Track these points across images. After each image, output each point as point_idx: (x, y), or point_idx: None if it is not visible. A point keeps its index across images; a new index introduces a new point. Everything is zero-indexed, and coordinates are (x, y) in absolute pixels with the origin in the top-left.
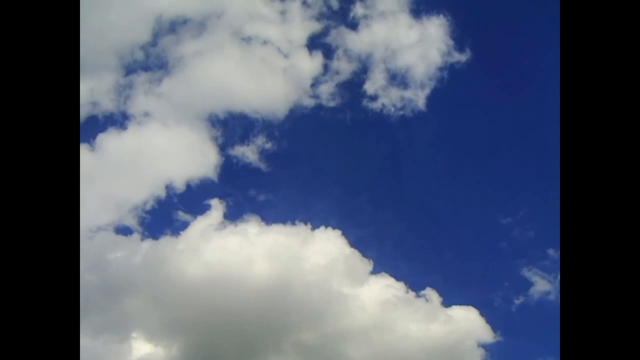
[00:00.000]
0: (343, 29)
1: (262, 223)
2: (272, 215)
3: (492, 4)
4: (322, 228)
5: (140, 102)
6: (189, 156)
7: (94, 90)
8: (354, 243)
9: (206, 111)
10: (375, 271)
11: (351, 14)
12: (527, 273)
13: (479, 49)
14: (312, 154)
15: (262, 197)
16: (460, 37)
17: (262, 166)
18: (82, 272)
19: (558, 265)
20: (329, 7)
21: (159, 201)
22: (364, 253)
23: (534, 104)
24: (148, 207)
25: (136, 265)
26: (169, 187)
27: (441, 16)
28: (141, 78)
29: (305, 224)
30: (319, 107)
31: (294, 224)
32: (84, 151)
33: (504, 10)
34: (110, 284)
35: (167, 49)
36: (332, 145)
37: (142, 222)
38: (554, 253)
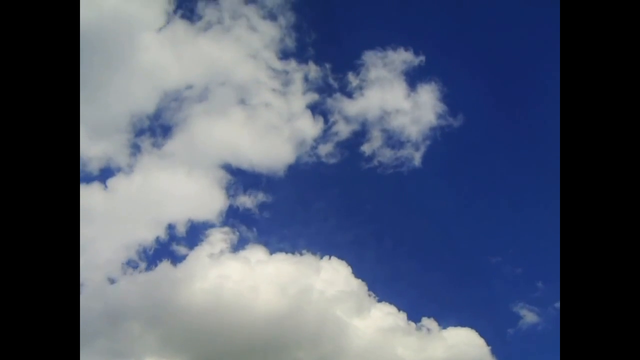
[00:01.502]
0: (342, 97)
1: (267, 252)
2: (276, 245)
3: (483, 71)
4: (327, 258)
5: (149, 155)
6: (194, 201)
7: (107, 148)
8: (359, 274)
9: (212, 163)
10: (379, 300)
11: (350, 85)
12: (515, 308)
13: (471, 113)
14: (314, 197)
15: (265, 230)
16: (452, 102)
17: (265, 213)
18: (92, 303)
19: (547, 296)
20: (328, 83)
21: (165, 236)
22: (369, 283)
23: (523, 160)
24: (155, 241)
25: (140, 293)
26: (173, 226)
27: (433, 83)
28: (150, 139)
29: (314, 254)
30: (319, 164)
31: (300, 253)
32: (99, 191)
33: (495, 77)
34: (116, 311)
35: (176, 113)
36: (333, 191)
37: (147, 256)
38: (542, 285)
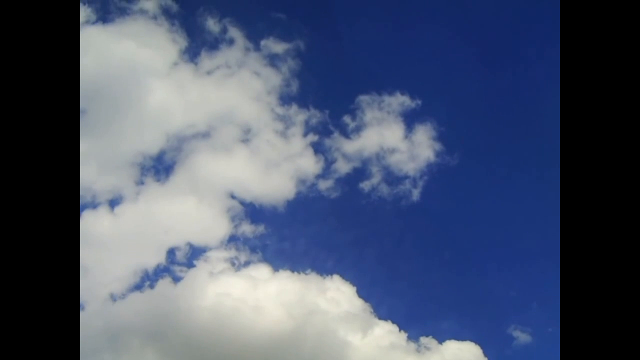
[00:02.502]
0: (341, 137)
1: (270, 270)
2: (279, 263)
3: (479, 112)
4: (330, 277)
5: (154, 186)
6: (198, 228)
7: (115, 181)
8: (361, 293)
9: (216, 195)
10: (380, 319)
11: (349, 127)
12: (508, 329)
13: (468, 151)
14: (316, 224)
15: (268, 251)
16: (449, 141)
17: (267, 239)
18: (95, 320)
19: (541, 316)
20: (327, 125)
21: (168, 258)
22: (371, 303)
23: (518, 192)
24: (158, 263)
25: (142, 310)
26: (176, 249)
27: (429, 124)
28: (155, 174)
29: (318, 273)
30: (320, 198)
31: (305, 273)
32: (105, 217)
33: (491, 117)
34: (117, 328)
35: (181, 150)
36: (336, 219)
37: (149, 277)
38: (536, 306)
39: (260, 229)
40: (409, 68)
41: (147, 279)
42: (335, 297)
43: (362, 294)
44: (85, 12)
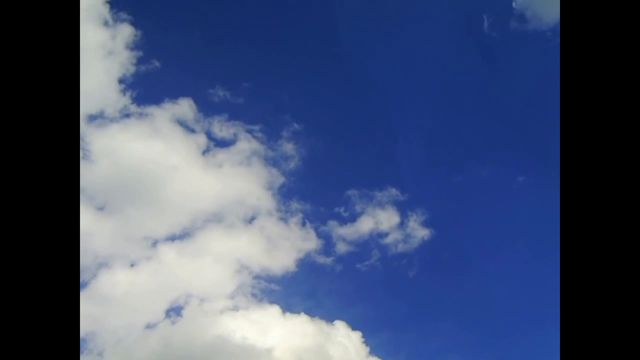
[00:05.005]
0: (338, 224)
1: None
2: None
3: (466, 198)
4: (334, 324)
5: (168, 253)
6: (206, 284)
7: (132, 252)
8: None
9: (226, 263)
10: None
11: (345, 215)
12: None
13: (460, 234)
14: (320, 288)
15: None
16: (440, 225)
17: (272, 297)
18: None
19: None
20: (326, 216)
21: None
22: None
23: (513, 268)
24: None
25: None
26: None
27: (419, 211)
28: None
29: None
30: (322, 270)
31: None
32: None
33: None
34: None
35: (192, 230)
36: (339, 285)
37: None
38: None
39: (264, 286)
40: (401, 167)
41: (150, 327)
42: (341, 341)
43: (368, 340)
44: (108, 112)
